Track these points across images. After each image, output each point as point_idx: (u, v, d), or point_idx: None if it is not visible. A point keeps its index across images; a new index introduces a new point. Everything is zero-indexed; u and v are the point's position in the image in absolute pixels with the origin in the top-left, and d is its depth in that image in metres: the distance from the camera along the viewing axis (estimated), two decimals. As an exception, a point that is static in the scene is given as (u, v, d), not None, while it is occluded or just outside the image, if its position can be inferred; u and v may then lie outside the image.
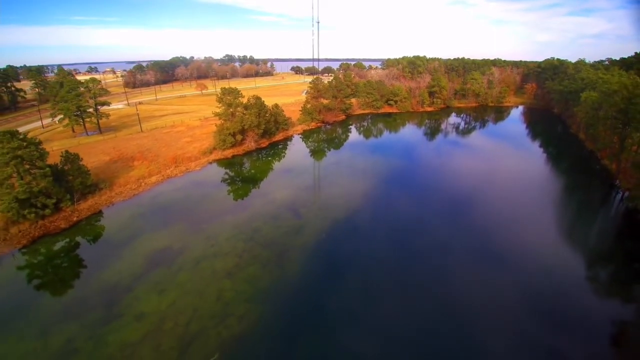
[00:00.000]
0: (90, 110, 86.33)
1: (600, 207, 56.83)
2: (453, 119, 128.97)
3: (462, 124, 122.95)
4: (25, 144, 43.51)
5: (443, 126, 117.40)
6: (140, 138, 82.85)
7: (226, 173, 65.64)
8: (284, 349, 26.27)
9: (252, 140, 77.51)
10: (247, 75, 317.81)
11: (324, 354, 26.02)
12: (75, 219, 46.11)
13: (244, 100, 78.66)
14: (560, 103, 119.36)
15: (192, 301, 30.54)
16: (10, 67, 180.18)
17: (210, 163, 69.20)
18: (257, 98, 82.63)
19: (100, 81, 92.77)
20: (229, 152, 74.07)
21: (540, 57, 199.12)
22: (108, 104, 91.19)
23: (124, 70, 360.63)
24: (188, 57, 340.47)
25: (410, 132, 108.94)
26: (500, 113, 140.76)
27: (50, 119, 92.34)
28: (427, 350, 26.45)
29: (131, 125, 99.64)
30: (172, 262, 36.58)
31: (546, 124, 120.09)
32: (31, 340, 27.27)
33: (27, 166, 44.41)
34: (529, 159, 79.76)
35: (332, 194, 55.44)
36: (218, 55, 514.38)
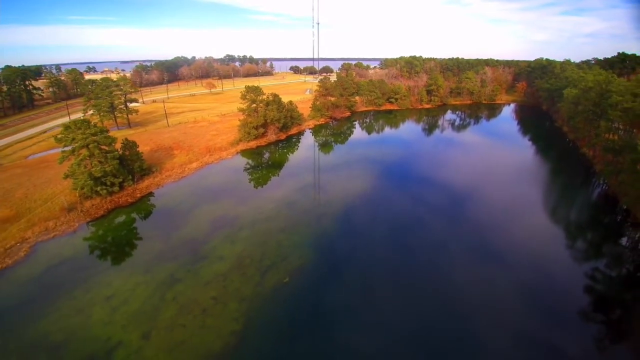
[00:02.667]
0: (121, 106, 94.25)
1: (580, 188, 66.40)
2: (449, 115, 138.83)
3: (458, 120, 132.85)
4: (99, 130, 51.81)
5: (440, 122, 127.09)
6: (169, 132, 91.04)
7: (255, 160, 74.46)
8: (332, 274, 35.41)
9: (273, 133, 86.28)
10: (247, 74, 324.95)
11: (362, 276, 35.24)
12: (138, 195, 54.57)
13: (264, 97, 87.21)
14: (548, 100, 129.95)
15: (259, 248, 39.43)
16: (8, 67, 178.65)
17: (239, 152, 77.81)
18: (275, 95, 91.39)
19: (130, 80, 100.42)
20: (253, 144, 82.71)
21: (536, 56, 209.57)
22: (137, 100, 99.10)
23: (123, 70, 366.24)
24: (189, 57, 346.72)
25: (410, 127, 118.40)
26: (493, 110, 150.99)
27: (82, 114, 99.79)
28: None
29: (155, 121, 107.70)
30: (233, 224, 45.35)
31: (535, 119, 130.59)
32: (140, 275, 35.82)
33: (97, 151, 52.65)
34: (519, 150, 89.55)
35: (348, 176, 64.50)
36: (217, 54, 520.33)
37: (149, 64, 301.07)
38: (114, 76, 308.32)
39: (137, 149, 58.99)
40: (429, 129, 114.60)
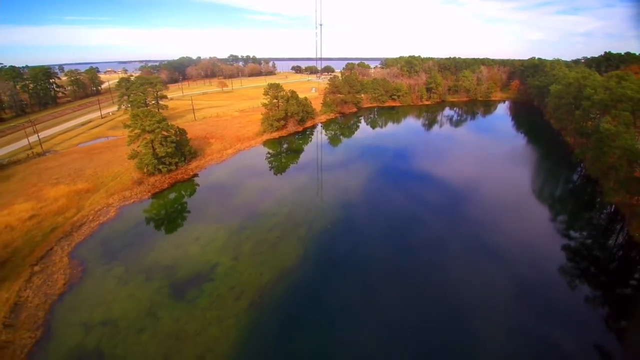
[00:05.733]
0: (153, 102, 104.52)
1: (562, 170, 77.10)
2: (448, 111, 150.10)
3: (456, 115, 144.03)
4: (161, 118, 62.20)
5: (439, 117, 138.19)
6: (198, 125, 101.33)
7: (280, 148, 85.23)
8: (359, 227, 46.15)
9: (293, 125, 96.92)
10: (251, 74, 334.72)
11: (385, 221, 46.03)
12: (191, 173, 65.11)
13: (284, 94, 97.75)
14: (538, 96, 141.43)
15: (302, 208, 50.33)
16: (12, 67, 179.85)
17: (265, 142, 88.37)
18: (293, 92, 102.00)
19: (160, 79, 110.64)
20: (276, 134, 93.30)
21: (531, 55, 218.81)
22: (166, 97, 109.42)
23: (126, 70, 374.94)
24: (194, 57, 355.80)
25: (411, 121, 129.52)
26: (488, 107, 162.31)
27: (117, 108, 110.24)
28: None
29: (181, 116, 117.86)
30: (276, 193, 56.03)
31: (526, 114, 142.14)
32: (215, 225, 46.32)
33: (160, 136, 62.90)
34: (511, 141, 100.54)
35: (363, 159, 75.38)
36: (219, 55, 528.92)
37: (147, 64, 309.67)
38: (120, 75, 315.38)
39: (187, 136, 69.37)
40: (429, 123, 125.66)
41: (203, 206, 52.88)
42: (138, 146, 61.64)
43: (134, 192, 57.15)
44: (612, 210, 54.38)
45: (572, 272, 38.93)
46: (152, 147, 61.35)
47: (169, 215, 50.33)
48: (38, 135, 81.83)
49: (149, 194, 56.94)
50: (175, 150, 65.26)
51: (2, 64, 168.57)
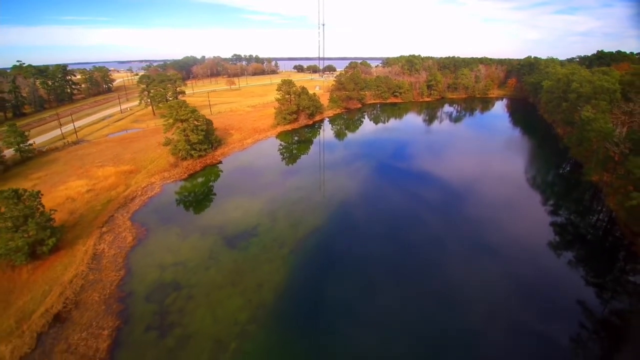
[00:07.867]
0: (172, 98, 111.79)
1: (554, 158, 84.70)
2: (447, 107, 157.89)
3: (455, 111, 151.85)
4: (194, 109, 69.68)
5: (439, 113, 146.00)
6: (215, 118, 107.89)
7: (294, 138, 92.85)
8: (368, 201, 53.78)
9: (304, 119, 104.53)
10: (255, 73, 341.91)
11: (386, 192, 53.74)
12: (218, 158, 72.62)
13: (296, 89, 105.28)
14: (533, 93, 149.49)
15: (318, 185, 57.73)
16: (15, 66, 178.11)
17: (279, 133, 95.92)
18: (304, 88, 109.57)
19: (180, 76, 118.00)
20: (288, 127, 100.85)
21: (529, 54, 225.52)
22: (184, 93, 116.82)
23: (130, 69, 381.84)
24: (198, 57, 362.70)
25: (413, 116, 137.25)
26: (486, 103, 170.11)
27: (138, 102, 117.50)
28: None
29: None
30: (297, 173, 63.77)
31: (522, 110, 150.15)
32: (249, 197, 53.85)
33: (192, 124, 70.25)
34: (507, 133, 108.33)
35: (370, 146, 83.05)
36: (222, 54, 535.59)
37: (152, 64, 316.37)
38: (123, 74, 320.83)
39: (213, 126, 76.83)
40: (430, 118, 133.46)
41: (235, 184, 60.43)
42: (173, 134, 69.09)
43: (172, 173, 64.65)
44: (595, 192, 61.80)
45: (559, 245, 44.06)
46: (186, 134, 68.76)
47: (207, 191, 57.93)
48: (74, 125, 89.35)
49: (185, 174, 64.45)
50: (204, 138, 72.70)
51: (20, 61, 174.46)
